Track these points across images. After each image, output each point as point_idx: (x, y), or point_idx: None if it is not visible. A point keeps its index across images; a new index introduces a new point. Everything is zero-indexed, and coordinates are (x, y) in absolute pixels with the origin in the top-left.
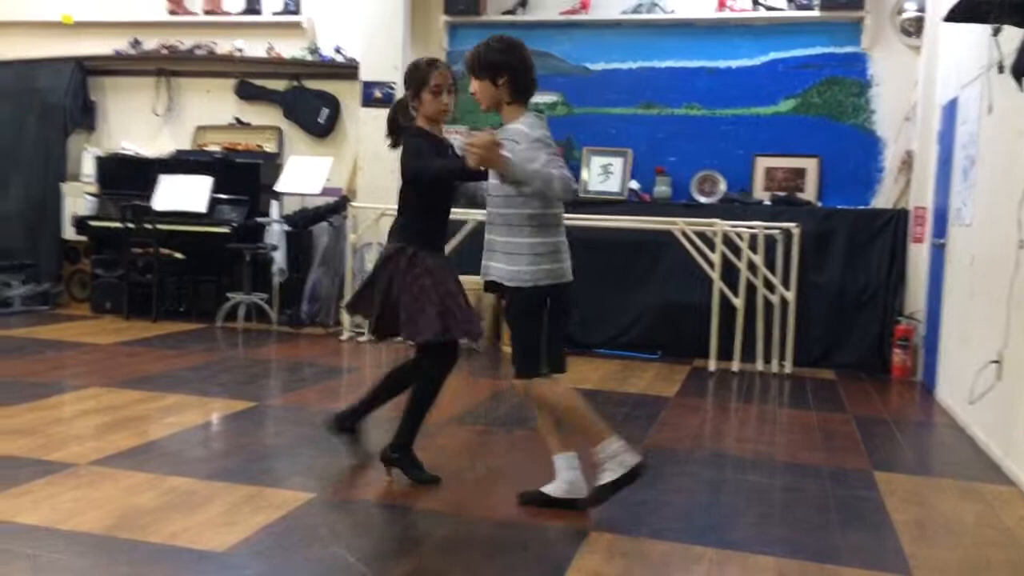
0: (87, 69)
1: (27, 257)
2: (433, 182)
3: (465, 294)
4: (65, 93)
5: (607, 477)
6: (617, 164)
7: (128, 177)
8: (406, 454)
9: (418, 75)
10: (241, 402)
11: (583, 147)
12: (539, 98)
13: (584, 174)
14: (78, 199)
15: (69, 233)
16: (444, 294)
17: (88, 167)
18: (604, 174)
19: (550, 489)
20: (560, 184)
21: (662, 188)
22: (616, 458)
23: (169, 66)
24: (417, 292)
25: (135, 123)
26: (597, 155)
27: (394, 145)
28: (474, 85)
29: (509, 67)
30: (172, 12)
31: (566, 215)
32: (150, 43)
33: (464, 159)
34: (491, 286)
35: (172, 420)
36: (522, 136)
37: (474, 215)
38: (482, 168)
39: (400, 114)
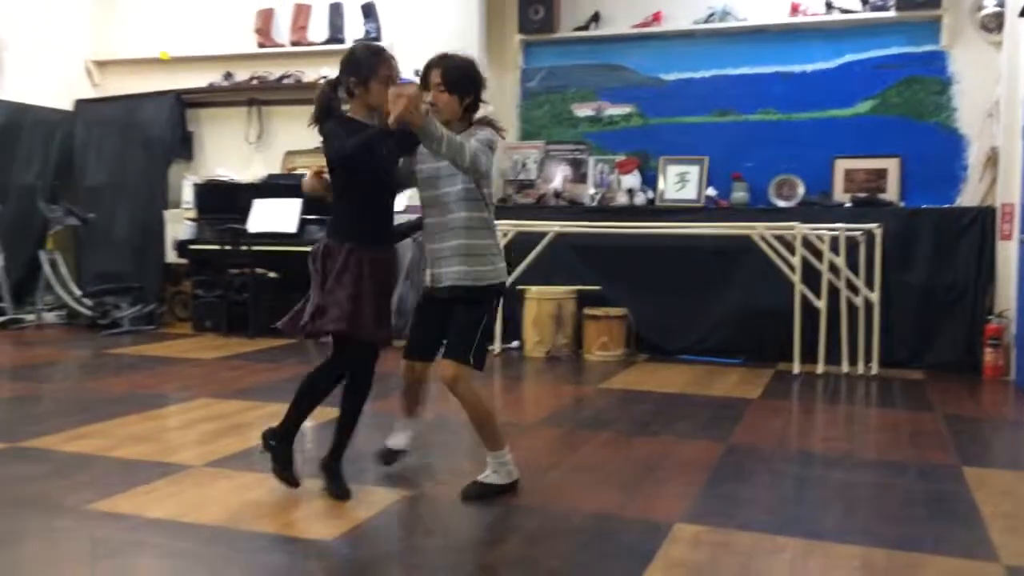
0: (184, 102)
1: (134, 280)
2: (354, 157)
3: (389, 298)
4: (165, 125)
5: (491, 479)
6: (693, 172)
7: (224, 202)
8: (285, 446)
9: (369, 63)
10: (331, 409)
11: (659, 157)
12: (613, 110)
13: (660, 183)
14: (179, 224)
15: (171, 256)
16: (364, 292)
17: (187, 194)
18: (680, 182)
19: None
20: (471, 155)
21: (739, 194)
22: (506, 467)
23: (259, 95)
24: (334, 285)
25: (229, 151)
26: (673, 164)
27: (321, 129)
28: (440, 97)
29: (477, 89)
30: (261, 45)
31: (644, 225)
32: (241, 75)
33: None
34: (445, 290)
35: (275, 425)
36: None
37: (552, 226)
38: (399, 126)
39: (331, 99)
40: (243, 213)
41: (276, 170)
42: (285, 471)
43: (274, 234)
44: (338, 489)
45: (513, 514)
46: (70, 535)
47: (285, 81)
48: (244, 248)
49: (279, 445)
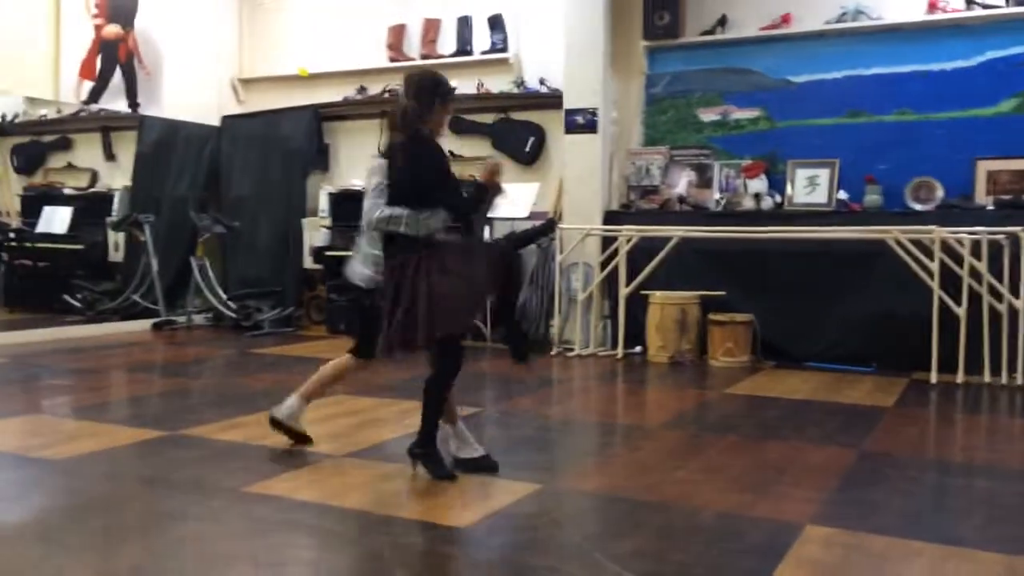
0: (321, 115)
1: (274, 285)
2: (459, 210)
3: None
4: (303, 138)
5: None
6: (823, 175)
7: (357, 211)
8: (429, 448)
9: (441, 89)
10: (466, 407)
11: (787, 160)
12: (739, 114)
13: (788, 187)
14: (315, 232)
15: (308, 262)
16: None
17: (323, 203)
18: (810, 186)
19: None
20: None
21: (873, 197)
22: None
23: (390, 108)
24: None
25: (362, 161)
26: (802, 167)
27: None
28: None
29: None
30: (393, 59)
31: (772, 229)
32: (374, 88)
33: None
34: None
35: (408, 422)
36: None
37: (675, 231)
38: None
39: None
40: None
41: None
42: (440, 471)
43: None
44: (440, 470)
45: (640, 510)
46: (228, 514)
47: None
48: None
49: (425, 452)
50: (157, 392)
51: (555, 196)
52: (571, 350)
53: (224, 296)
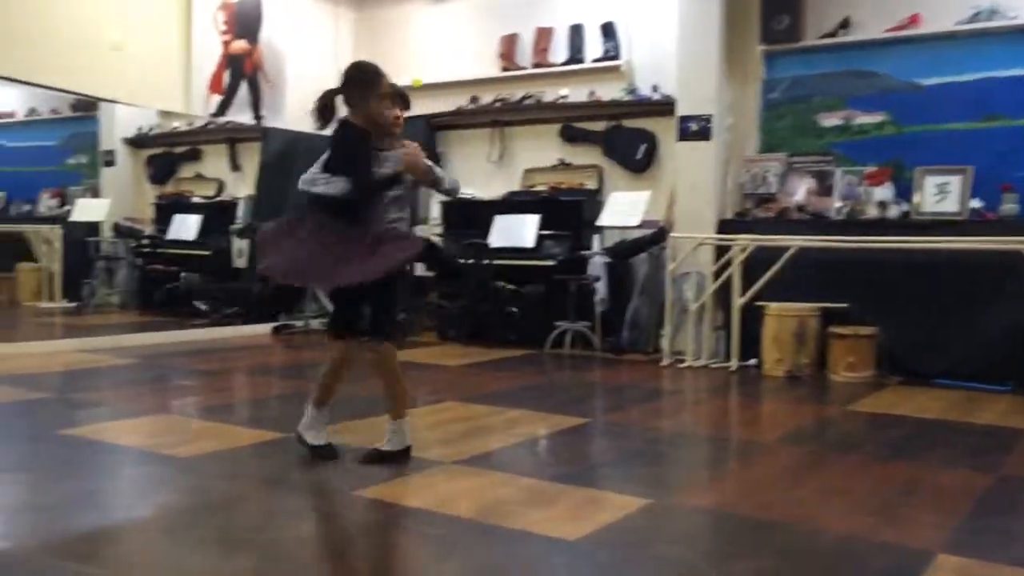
0: (434, 125)
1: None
2: (368, 190)
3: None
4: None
5: (388, 447)
6: (955, 183)
7: (468, 218)
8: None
9: (367, 78)
10: (574, 418)
11: (914, 167)
12: (863, 119)
13: (916, 195)
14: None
15: (420, 269)
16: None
17: (435, 211)
18: (940, 194)
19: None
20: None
21: (1010, 206)
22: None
23: (502, 117)
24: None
25: (473, 170)
26: (932, 174)
27: (323, 126)
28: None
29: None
30: (504, 68)
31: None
32: (486, 98)
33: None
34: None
35: (517, 431)
36: None
37: (794, 240)
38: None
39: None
40: (485, 228)
41: (516, 187)
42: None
43: (513, 248)
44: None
45: (757, 530)
46: (340, 517)
47: (526, 102)
48: (486, 262)
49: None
50: (275, 394)
51: (667, 204)
52: (682, 361)
53: (331, 306)
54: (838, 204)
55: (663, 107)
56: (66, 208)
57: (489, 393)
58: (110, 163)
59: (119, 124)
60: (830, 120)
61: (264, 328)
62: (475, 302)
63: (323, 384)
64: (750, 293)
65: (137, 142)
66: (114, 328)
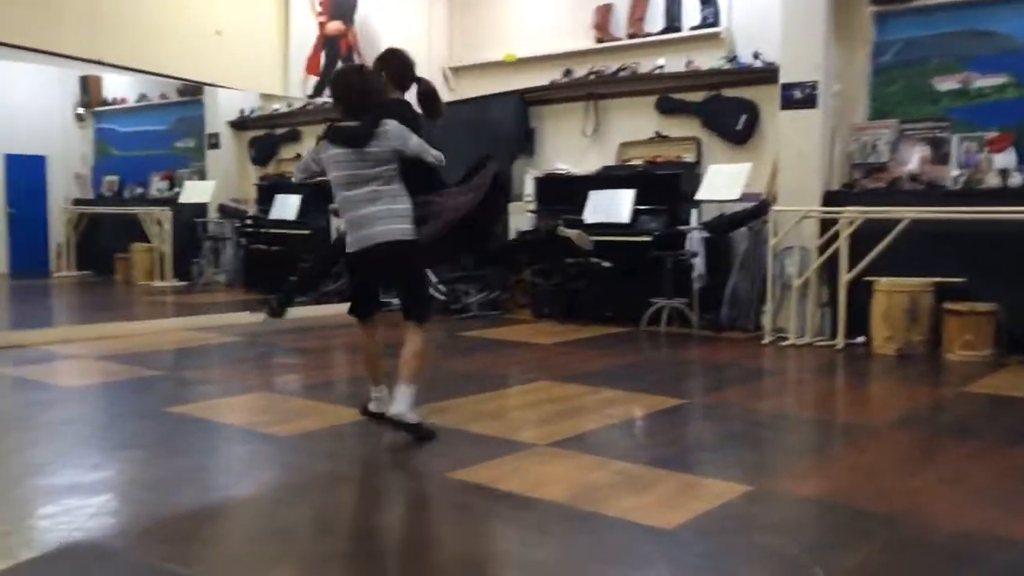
0: (527, 100)
1: (481, 269)
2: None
3: None
4: (510, 123)
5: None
6: None
7: (561, 194)
8: None
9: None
10: (670, 398)
11: None
12: (983, 81)
13: None
14: (521, 216)
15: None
16: None
17: (529, 187)
18: None
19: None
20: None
21: None
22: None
23: (596, 90)
24: None
25: (567, 145)
26: None
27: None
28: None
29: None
30: (599, 40)
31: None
32: (580, 71)
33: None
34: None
35: (611, 412)
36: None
37: (906, 212)
38: None
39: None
40: (579, 204)
41: (610, 161)
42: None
43: (607, 224)
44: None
45: (865, 520)
46: (433, 499)
47: (621, 74)
48: None
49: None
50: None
51: (769, 176)
52: (785, 339)
53: (435, 280)
54: (955, 173)
55: (765, 74)
56: (175, 190)
57: (583, 372)
58: (215, 146)
59: (223, 107)
60: (946, 84)
61: None
62: (569, 279)
63: (365, 370)
64: (858, 268)
65: (240, 124)
66: (220, 306)
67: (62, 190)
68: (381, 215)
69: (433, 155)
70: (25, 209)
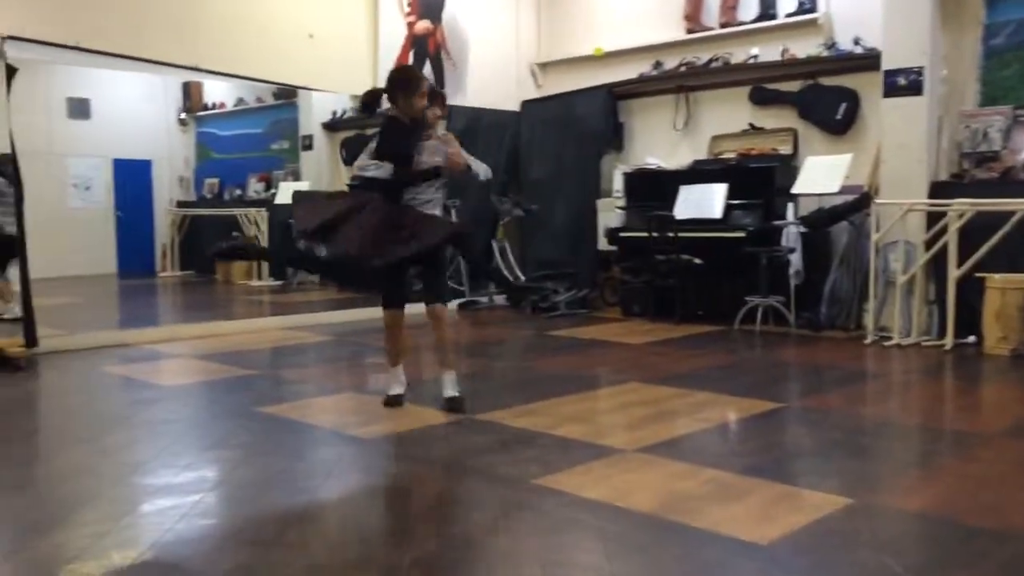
0: (616, 94)
1: (569, 267)
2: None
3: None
4: (598, 118)
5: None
6: None
7: (651, 190)
8: None
9: (410, 80)
10: (765, 402)
11: None
12: None
13: None
14: (609, 213)
15: (602, 244)
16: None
17: (617, 183)
18: None
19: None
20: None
21: None
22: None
23: (687, 82)
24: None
25: (657, 139)
26: None
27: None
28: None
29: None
30: (690, 31)
31: None
32: (670, 63)
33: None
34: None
35: (703, 416)
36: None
37: (1019, 204)
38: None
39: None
40: (669, 200)
41: (702, 155)
42: None
43: (699, 220)
44: None
45: (977, 538)
46: (516, 507)
47: (713, 65)
48: (670, 234)
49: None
50: (461, 373)
51: (871, 167)
52: (888, 339)
53: (523, 278)
54: None
55: (866, 61)
56: (271, 191)
57: (675, 374)
58: (308, 147)
59: (316, 109)
60: None
61: (450, 305)
62: (659, 277)
63: (389, 350)
64: (969, 263)
65: (332, 126)
66: (314, 305)
67: (166, 193)
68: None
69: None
70: (132, 211)
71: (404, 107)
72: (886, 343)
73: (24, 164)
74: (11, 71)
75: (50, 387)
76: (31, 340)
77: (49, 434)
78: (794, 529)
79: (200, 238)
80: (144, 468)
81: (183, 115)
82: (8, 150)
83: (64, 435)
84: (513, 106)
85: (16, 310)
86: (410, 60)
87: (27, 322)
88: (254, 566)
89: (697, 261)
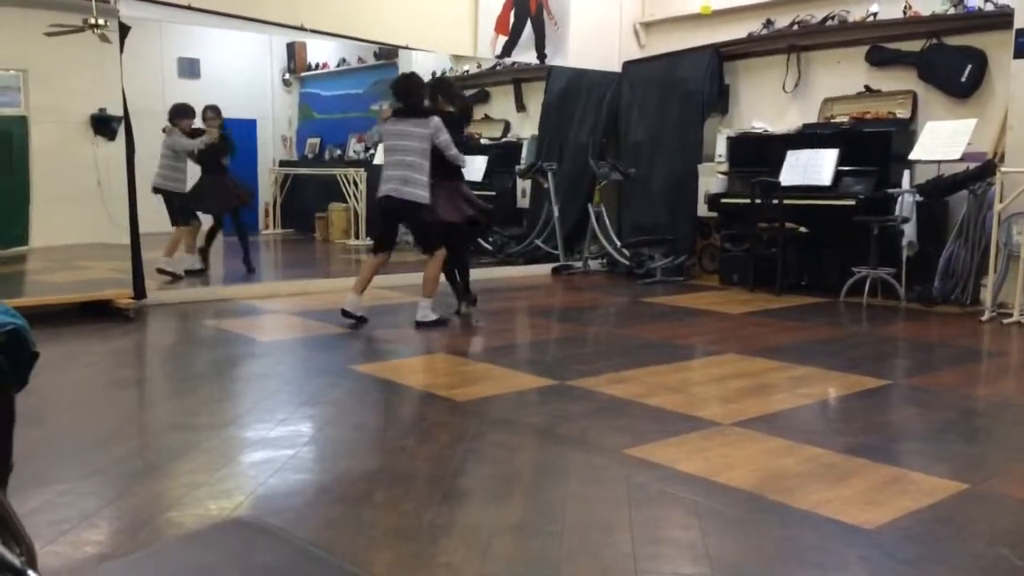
0: (722, 55)
1: (668, 232)
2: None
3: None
4: (703, 80)
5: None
6: None
7: (756, 155)
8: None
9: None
10: (871, 379)
11: None
12: None
13: None
14: (711, 178)
15: (702, 210)
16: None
17: (720, 147)
18: None
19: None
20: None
21: None
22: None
23: (800, 41)
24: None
25: (765, 102)
26: None
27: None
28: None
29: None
30: None
31: None
32: (782, 21)
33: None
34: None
35: (804, 391)
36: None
37: None
38: None
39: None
40: (775, 165)
41: (812, 119)
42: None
43: (806, 187)
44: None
45: None
46: (609, 476)
47: (828, 23)
48: (775, 202)
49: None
50: (553, 338)
51: (996, 133)
52: (1008, 315)
53: (619, 243)
54: None
55: (997, 19)
56: (370, 152)
57: (774, 346)
58: None
59: (416, 69)
60: None
61: (544, 269)
62: (762, 245)
63: (363, 278)
64: None
65: None
66: (410, 266)
67: (270, 152)
68: (402, 178)
69: (452, 153)
70: (238, 170)
71: (455, 105)
72: (1005, 320)
73: (136, 123)
74: (124, 29)
75: (155, 339)
76: (139, 292)
77: (151, 385)
78: (902, 515)
79: (301, 196)
80: (240, 421)
81: (287, 75)
82: (121, 110)
83: (165, 386)
84: (615, 67)
85: (197, 263)
86: (510, 20)
87: (136, 275)
88: (343, 523)
89: (803, 229)
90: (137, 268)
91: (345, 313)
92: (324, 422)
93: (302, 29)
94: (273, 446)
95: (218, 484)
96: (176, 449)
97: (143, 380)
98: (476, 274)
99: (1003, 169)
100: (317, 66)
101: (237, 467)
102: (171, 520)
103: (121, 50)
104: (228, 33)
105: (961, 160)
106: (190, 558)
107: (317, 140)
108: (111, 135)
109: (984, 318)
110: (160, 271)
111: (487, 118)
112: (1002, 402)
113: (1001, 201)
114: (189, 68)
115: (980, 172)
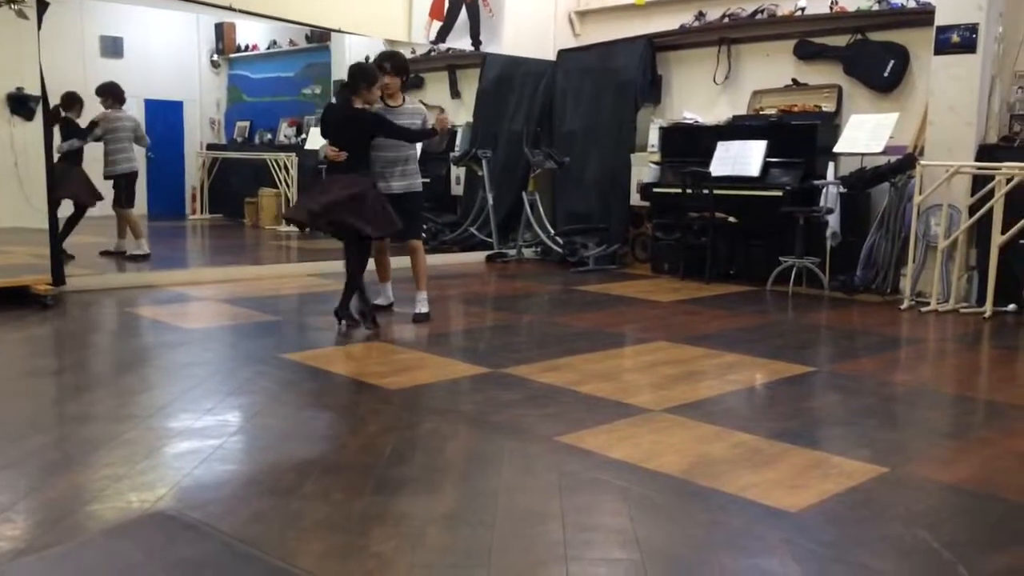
0: (655, 46)
1: (601, 221)
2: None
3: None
4: (636, 70)
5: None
6: None
7: (687, 145)
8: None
9: (371, 75)
10: (796, 366)
11: None
12: None
13: None
14: (643, 168)
15: (635, 199)
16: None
17: (653, 137)
18: None
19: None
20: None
21: None
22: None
23: (730, 34)
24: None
25: (696, 93)
26: None
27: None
28: (390, 80)
29: (408, 73)
30: None
31: None
32: (713, 14)
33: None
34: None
35: (733, 378)
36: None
37: None
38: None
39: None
40: (706, 156)
41: (742, 111)
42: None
43: (736, 177)
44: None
45: (1017, 514)
46: (540, 465)
47: (758, 16)
48: (705, 192)
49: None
50: (487, 326)
51: (917, 128)
52: (925, 304)
53: (552, 231)
54: None
55: (918, 16)
56: (302, 136)
57: (703, 334)
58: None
59: (350, 54)
60: None
61: (478, 256)
62: (692, 234)
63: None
64: (1014, 230)
65: None
66: (339, 253)
67: (197, 135)
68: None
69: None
70: (163, 153)
71: (364, 97)
72: (923, 309)
73: (56, 103)
74: (42, 6)
75: (74, 327)
76: (58, 278)
77: (69, 374)
78: (824, 498)
79: (230, 181)
80: (164, 411)
81: (215, 56)
82: (39, 90)
83: (84, 376)
84: (550, 55)
85: (145, 247)
86: (446, 5)
87: (54, 260)
88: (271, 515)
89: (732, 219)
90: (56, 253)
91: (379, 307)
92: (253, 412)
93: (231, 9)
94: (199, 436)
95: (140, 476)
96: (96, 440)
97: (61, 369)
98: (406, 263)
99: (923, 162)
100: (247, 48)
101: (161, 458)
102: (90, 514)
103: (39, 27)
104: (153, 11)
105: (883, 153)
106: (109, 553)
107: (247, 123)
108: (29, 115)
109: (903, 307)
110: (130, 256)
111: (422, 104)
112: (920, 388)
113: (920, 193)
114: (112, 47)
115: (901, 165)
